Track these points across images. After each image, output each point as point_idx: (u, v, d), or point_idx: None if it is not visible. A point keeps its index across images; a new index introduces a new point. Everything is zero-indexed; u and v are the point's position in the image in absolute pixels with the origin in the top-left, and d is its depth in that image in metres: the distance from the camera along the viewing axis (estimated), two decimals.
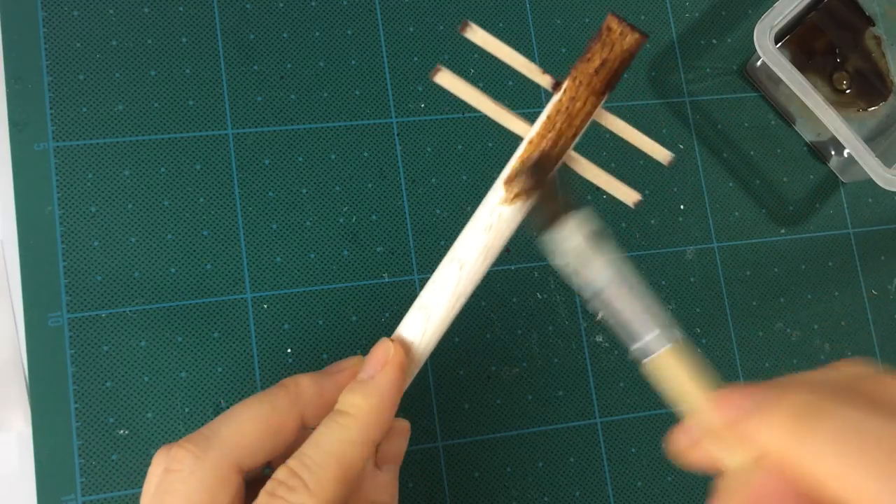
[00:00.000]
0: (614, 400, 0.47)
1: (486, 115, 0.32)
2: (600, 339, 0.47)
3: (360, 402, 0.29)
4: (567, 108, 0.28)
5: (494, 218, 0.29)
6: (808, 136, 0.53)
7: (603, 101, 0.29)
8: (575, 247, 0.25)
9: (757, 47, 0.47)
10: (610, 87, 0.28)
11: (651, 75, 0.51)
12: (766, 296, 0.50)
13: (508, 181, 0.29)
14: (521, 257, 0.47)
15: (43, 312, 0.41)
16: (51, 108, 0.43)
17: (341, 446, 0.28)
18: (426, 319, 0.31)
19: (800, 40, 0.54)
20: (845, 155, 0.49)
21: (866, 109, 0.54)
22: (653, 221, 0.49)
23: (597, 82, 0.28)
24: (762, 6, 0.54)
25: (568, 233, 0.26)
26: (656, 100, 0.51)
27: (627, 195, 0.29)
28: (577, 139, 0.29)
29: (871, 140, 0.53)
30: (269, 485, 0.27)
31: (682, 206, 0.50)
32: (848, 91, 0.54)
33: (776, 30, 0.48)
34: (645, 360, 0.24)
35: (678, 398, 0.24)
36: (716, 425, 0.22)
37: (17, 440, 0.40)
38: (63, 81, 0.44)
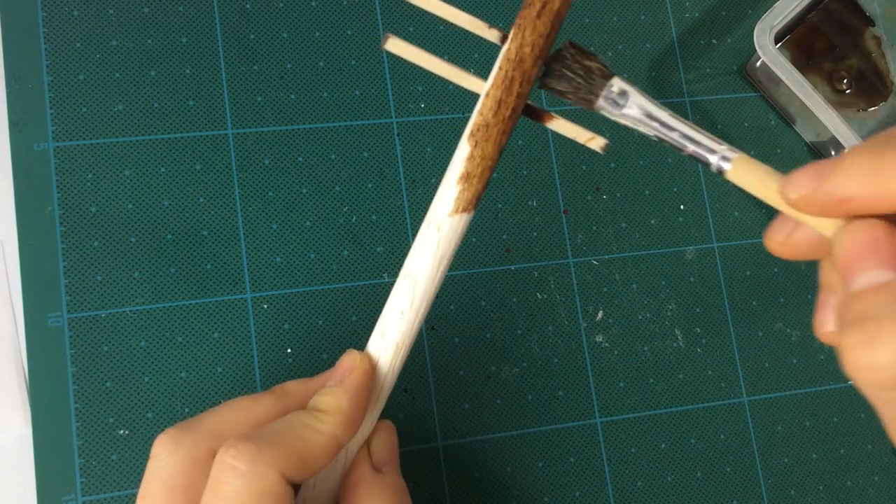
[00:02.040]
0: (614, 400, 0.47)
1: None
2: (600, 339, 0.47)
3: (328, 400, 0.30)
4: (517, 55, 0.29)
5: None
6: (808, 137, 0.53)
7: (552, 45, 0.30)
8: (631, 91, 0.28)
9: (757, 47, 0.47)
10: (555, 28, 0.29)
11: (651, 75, 0.51)
12: (766, 296, 0.50)
13: (471, 136, 0.29)
14: (521, 257, 0.47)
15: (43, 312, 0.41)
16: (51, 108, 0.43)
17: (304, 427, 0.29)
18: (387, 332, 0.32)
19: (799, 41, 0.54)
20: None
21: (866, 110, 0.54)
22: (653, 221, 0.49)
23: (541, 25, 0.29)
24: (762, 6, 0.54)
25: (620, 85, 0.28)
26: (656, 100, 0.51)
27: (597, 143, 0.30)
28: (531, 85, 0.29)
29: None
30: (220, 451, 0.28)
31: (682, 206, 0.50)
32: (848, 91, 0.53)
33: (776, 30, 0.48)
34: (727, 168, 0.26)
35: (764, 196, 0.25)
36: (802, 200, 0.23)
37: (17, 440, 0.40)
38: (63, 81, 0.44)
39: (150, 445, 0.41)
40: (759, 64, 0.51)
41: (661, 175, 0.50)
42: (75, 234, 0.42)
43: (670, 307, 0.49)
